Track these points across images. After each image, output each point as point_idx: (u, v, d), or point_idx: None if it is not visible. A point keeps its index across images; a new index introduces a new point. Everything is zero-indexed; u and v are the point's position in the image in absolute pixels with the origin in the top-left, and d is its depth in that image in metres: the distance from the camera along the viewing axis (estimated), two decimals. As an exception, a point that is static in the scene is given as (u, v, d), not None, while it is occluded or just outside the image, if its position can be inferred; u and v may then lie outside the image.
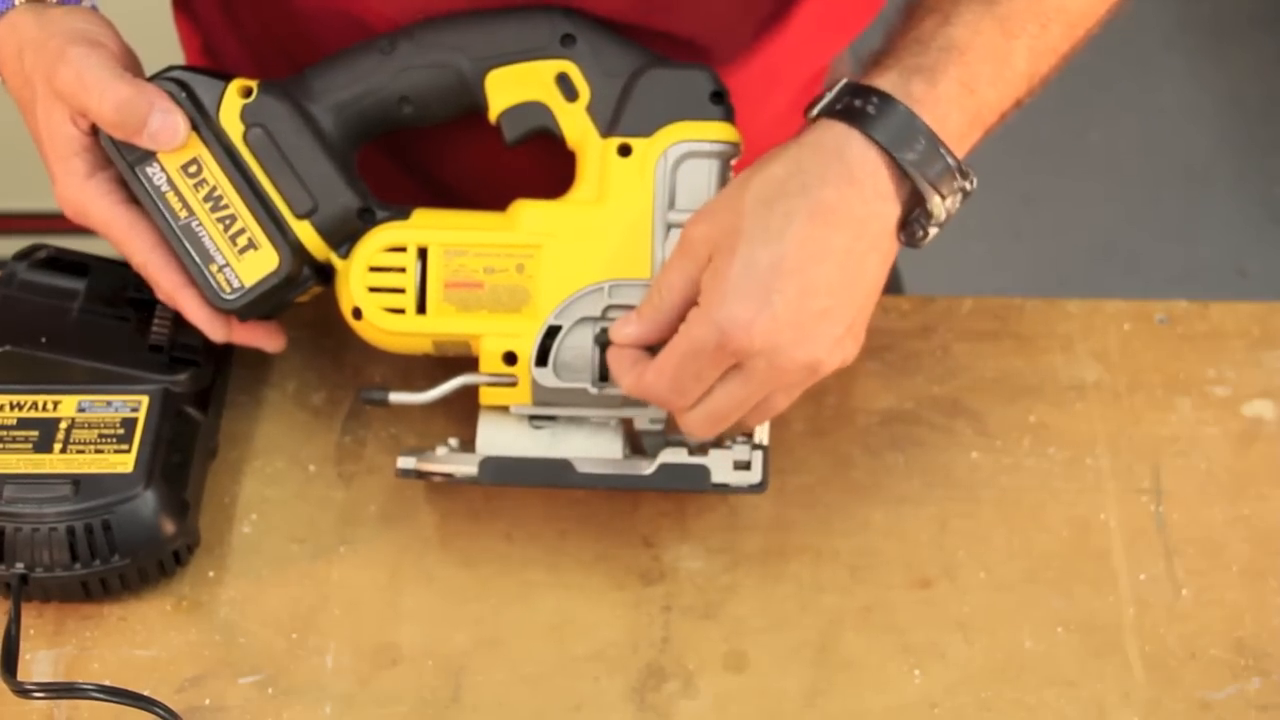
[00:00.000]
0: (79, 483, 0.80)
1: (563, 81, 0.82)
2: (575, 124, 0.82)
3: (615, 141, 0.81)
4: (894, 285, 1.11)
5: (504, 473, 0.83)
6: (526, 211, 0.82)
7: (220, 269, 0.81)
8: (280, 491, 0.88)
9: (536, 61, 0.81)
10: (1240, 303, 0.97)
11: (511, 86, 0.82)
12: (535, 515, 0.87)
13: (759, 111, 0.89)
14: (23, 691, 0.77)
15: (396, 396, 0.84)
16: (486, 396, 0.83)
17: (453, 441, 0.84)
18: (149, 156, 0.80)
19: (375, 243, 0.82)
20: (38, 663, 0.81)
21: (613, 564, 0.85)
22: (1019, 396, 0.92)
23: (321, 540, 0.86)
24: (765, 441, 0.83)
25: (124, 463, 0.81)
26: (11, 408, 0.83)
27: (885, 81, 0.77)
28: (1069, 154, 2.12)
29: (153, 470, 0.81)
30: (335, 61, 0.82)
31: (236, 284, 0.82)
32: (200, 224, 0.81)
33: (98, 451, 0.82)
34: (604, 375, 0.81)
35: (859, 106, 0.77)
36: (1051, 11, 0.80)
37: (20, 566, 0.80)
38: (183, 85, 0.81)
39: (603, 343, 0.81)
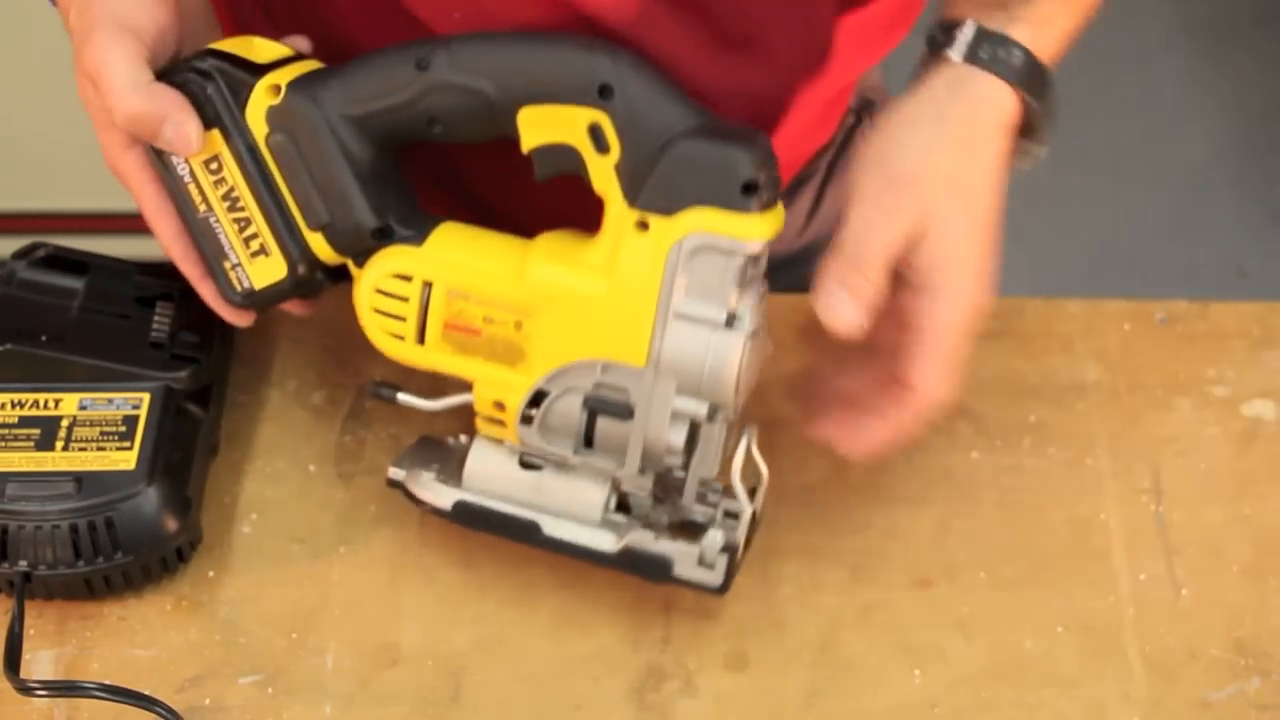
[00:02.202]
0: (81, 480, 0.80)
1: (595, 132, 0.76)
2: (603, 177, 0.76)
3: (635, 214, 0.76)
4: None
5: (475, 519, 0.82)
6: (536, 267, 0.78)
7: (234, 267, 0.81)
8: (280, 491, 0.88)
9: (570, 106, 0.76)
10: (1240, 303, 0.97)
11: (544, 126, 0.77)
12: (536, 515, 0.87)
13: (782, 125, 0.91)
14: (25, 689, 0.77)
15: (405, 398, 0.84)
16: (481, 426, 0.82)
17: (436, 468, 0.83)
18: None
19: (384, 266, 0.80)
20: (38, 662, 0.81)
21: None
22: (1019, 396, 0.92)
23: (321, 540, 0.86)
24: (740, 542, 0.80)
25: (126, 460, 0.81)
26: (13, 406, 0.83)
27: (991, 19, 0.80)
28: (1069, 154, 2.12)
29: (155, 467, 0.81)
30: (368, 67, 0.79)
31: (247, 284, 0.82)
32: (217, 220, 0.81)
33: (100, 449, 0.82)
34: (588, 442, 0.80)
35: (990, 53, 0.80)
36: None
37: (23, 564, 0.80)
38: (210, 77, 0.79)
39: (592, 409, 0.79)
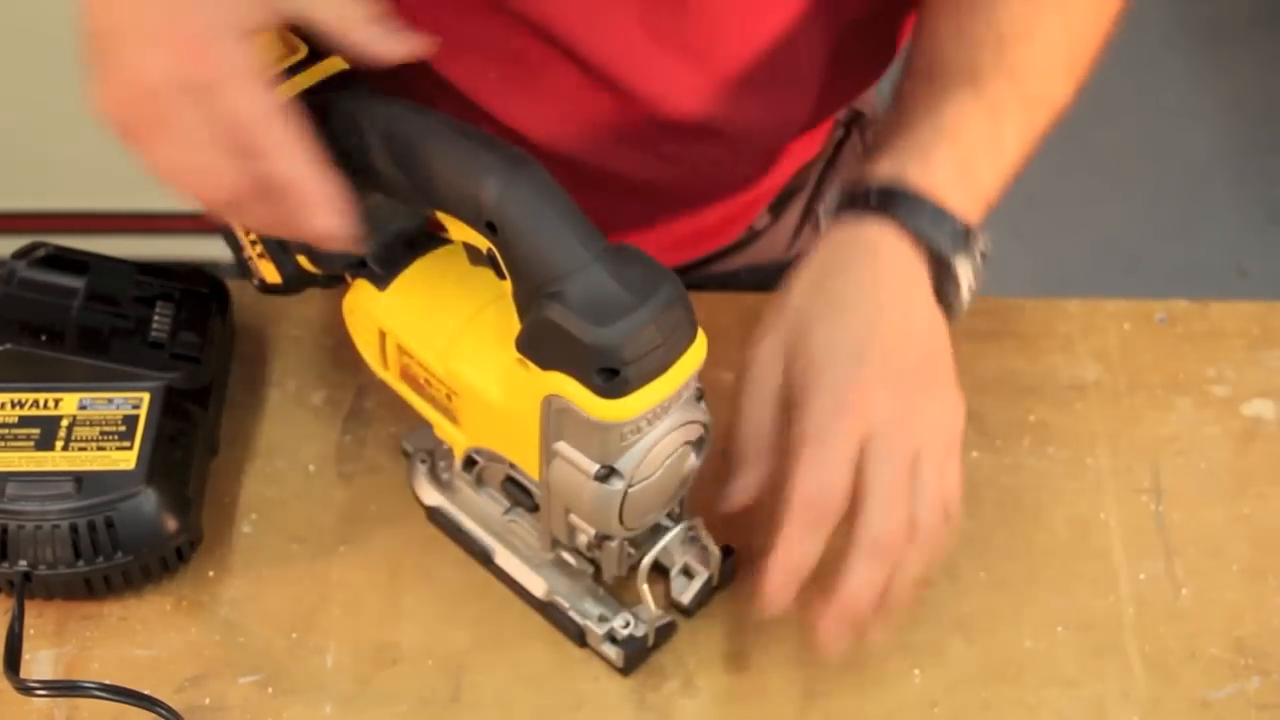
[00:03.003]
0: (81, 480, 0.80)
1: (492, 258, 0.71)
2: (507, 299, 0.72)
3: (516, 353, 0.71)
4: None
5: (445, 527, 0.85)
6: (457, 357, 0.76)
7: (249, 259, 0.83)
8: (280, 491, 0.88)
9: (470, 228, 0.71)
10: (1240, 302, 0.97)
11: (457, 230, 0.72)
12: (536, 514, 0.87)
13: (762, 169, 0.93)
14: (26, 689, 0.77)
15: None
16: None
17: (435, 459, 0.85)
18: None
19: (357, 297, 0.81)
20: (38, 662, 0.81)
21: (613, 563, 0.85)
22: (1019, 396, 0.92)
23: (321, 540, 0.86)
24: (648, 635, 0.80)
25: (126, 459, 0.81)
26: (13, 405, 0.83)
27: (881, 170, 0.79)
28: (1069, 154, 2.12)
29: (154, 467, 0.81)
30: (348, 112, 0.74)
31: (260, 277, 0.83)
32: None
33: (99, 449, 0.82)
34: (514, 503, 0.81)
35: (864, 198, 0.79)
36: (1035, 98, 0.82)
37: (23, 564, 0.80)
38: None
39: (512, 482, 0.80)
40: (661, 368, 0.69)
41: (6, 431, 0.82)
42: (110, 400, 0.83)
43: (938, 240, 0.78)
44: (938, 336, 0.78)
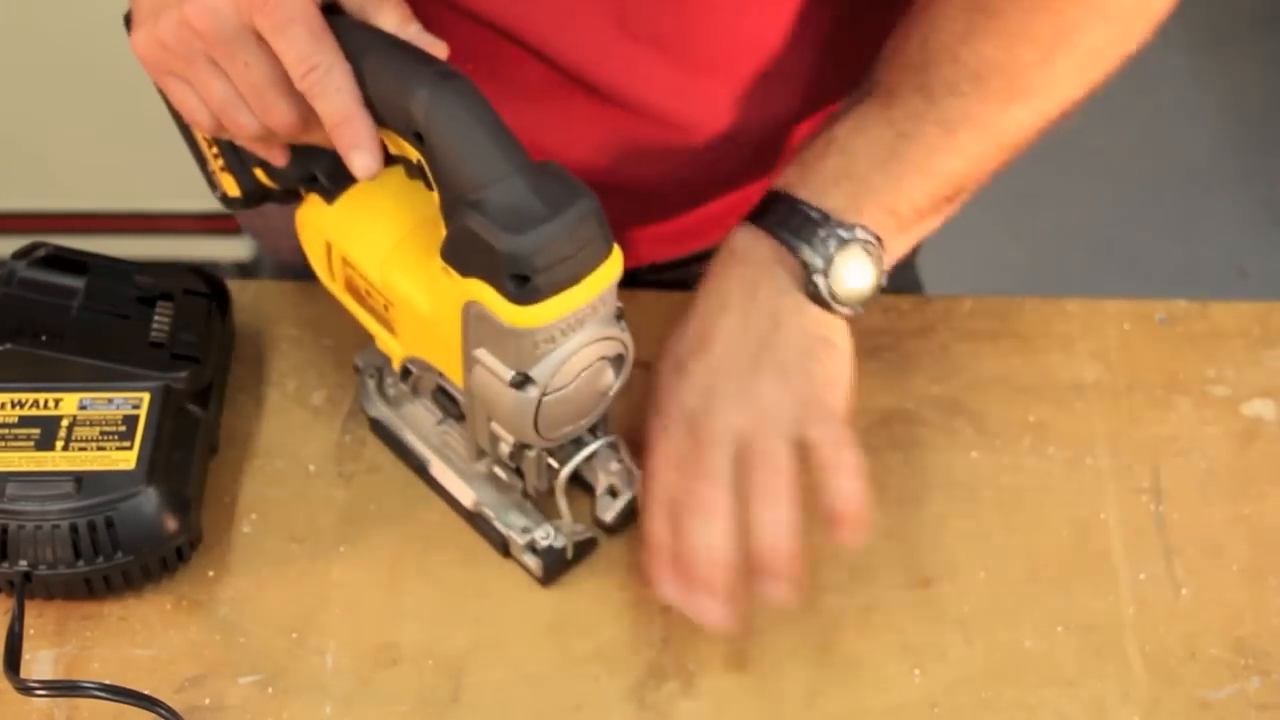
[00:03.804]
0: (81, 480, 0.80)
1: (420, 169, 0.73)
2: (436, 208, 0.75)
3: (439, 260, 0.74)
4: (913, 284, 1.11)
5: (386, 439, 0.89)
6: (392, 266, 0.79)
7: (211, 173, 0.85)
8: (280, 491, 0.88)
9: (401, 139, 0.73)
10: (1240, 302, 0.97)
11: (392, 143, 0.75)
12: (536, 514, 0.87)
13: (754, 166, 0.94)
14: (26, 689, 0.77)
15: None
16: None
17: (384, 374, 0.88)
18: None
19: (308, 212, 0.83)
20: (38, 662, 0.81)
21: (613, 563, 0.85)
22: (1019, 396, 0.92)
23: (321, 540, 0.86)
24: (567, 548, 0.83)
25: (126, 460, 0.81)
26: (13, 405, 0.83)
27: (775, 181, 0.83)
28: (1069, 154, 2.12)
29: (154, 467, 0.81)
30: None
31: (221, 190, 0.85)
32: (195, 136, 0.84)
33: (99, 449, 0.82)
34: (445, 413, 0.85)
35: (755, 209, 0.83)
36: (956, 119, 0.83)
37: (23, 564, 0.80)
38: None
39: (442, 392, 0.83)
40: (573, 279, 0.72)
41: (6, 431, 0.82)
42: (110, 400, 0.83)
43: (783, 234, 0.81)
44: (779, 330, 0.81)
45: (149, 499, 0.81)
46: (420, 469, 0.87)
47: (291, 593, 0.84)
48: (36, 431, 0.82)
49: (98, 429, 0.82)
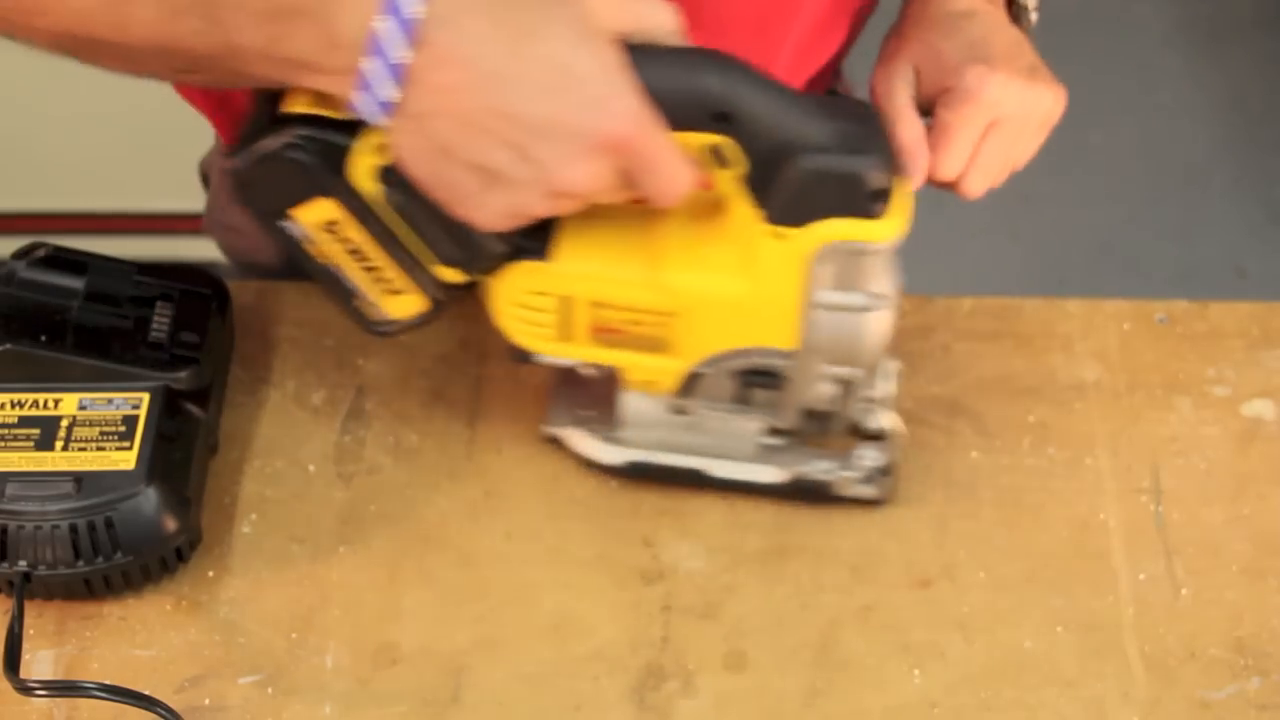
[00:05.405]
0: (81, 480, 0.80)
1: (715, 151, 0.74)
2: (726, 185, 0.76)
3: (767, 226, 0.76)
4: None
5: (645, 474, 0.87)
6: (674, 275, 0.79)
7: (367, 304, 0.81)
8: (280, 491, 0.88)
9: (688, 132, 0.74)
10: (1240, 303, 0.97)
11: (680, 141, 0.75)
12: (535, 515, 0.87)
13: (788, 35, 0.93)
14: (26, 689, 0.77)
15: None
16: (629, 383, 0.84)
17: (590, 421, 0.87)
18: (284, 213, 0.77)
19: (519, 282, 0.80)
20: (38, 662, 0.81)
21: (613, 563, 0.85)
22: (1019, 396, 0.92)
23: (321, 540, 0.86)
24: (887, 464, 0.86)
25: (125, 460, 0.81)
26: (13, 406, 0.83)
27: None
28: (1069, 154, 2.12)
29: (154, 467, 0.81)
30: None
31: (382, 315, 0.81)
32: (339, 269, 0.79)
33: (99, 449, 0.82)
34: (742, 400, 0.83)
35: None
36: None
37: (23, 564, 0.80)
38: (303, 148, 0.75)
39: (744, 380, 0.82)
40: (899, 180, 0.76)
41: (6, 431, 0.82)
42: (110, 400, 0.83)
43: None
44: (1025, 44, 0.86)
45: (149, 499, 0.81)
46: (694, 479, 0.87)
47: (291, 593, 0.84)
48: (36, 431, 0.82)
49: (97, 429, 0.82)
